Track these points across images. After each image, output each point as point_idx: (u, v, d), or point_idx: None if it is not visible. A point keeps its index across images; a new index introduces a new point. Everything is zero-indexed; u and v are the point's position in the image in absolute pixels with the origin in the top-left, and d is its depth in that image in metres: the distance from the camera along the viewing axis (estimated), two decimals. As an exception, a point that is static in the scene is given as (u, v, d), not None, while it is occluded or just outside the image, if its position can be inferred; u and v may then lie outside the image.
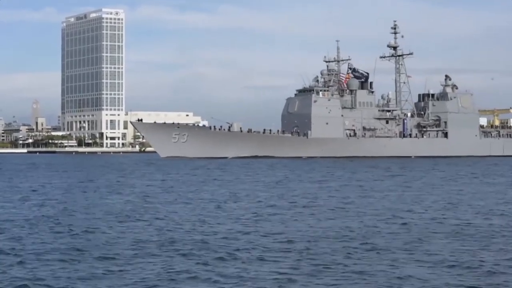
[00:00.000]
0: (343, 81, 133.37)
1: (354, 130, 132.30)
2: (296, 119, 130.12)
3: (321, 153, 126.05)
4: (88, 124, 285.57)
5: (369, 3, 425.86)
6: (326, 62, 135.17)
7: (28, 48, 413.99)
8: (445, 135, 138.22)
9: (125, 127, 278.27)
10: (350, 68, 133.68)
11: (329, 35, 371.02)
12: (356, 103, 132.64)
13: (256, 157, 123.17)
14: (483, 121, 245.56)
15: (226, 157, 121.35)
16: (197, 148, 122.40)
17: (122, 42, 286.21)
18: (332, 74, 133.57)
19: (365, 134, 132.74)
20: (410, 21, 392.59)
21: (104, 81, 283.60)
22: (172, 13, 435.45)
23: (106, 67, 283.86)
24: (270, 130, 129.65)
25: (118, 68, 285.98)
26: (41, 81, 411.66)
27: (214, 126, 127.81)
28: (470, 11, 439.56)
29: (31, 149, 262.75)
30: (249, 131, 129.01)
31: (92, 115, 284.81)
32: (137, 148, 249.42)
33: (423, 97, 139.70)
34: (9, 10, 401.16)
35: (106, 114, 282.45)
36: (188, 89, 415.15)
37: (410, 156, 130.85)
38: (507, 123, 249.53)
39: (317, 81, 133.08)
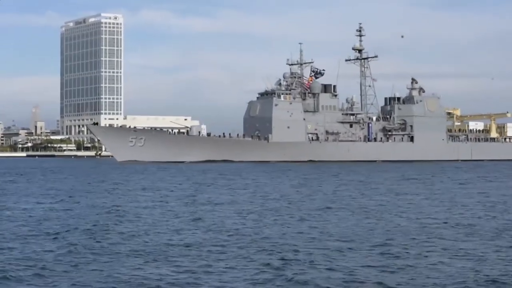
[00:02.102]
0: (305, 84, 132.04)
1: (316, 134, 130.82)
2: (257, 123, 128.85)
3: (282, 158, 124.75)
4: (87, 128, 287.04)
5: (371, 7, 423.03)
6: (289, 65, 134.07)
7: (28, 52, 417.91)
8: (411, 139, 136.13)
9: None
10: (313, 71, 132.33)
11: (330, 37, 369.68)
12: (319, 107, 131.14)
13: (214, 161, 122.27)
14: (480, 125, 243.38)
15: (183, 162, 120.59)
16: (154, 153, 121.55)
17: (120, 47, 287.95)
18: (295, 77, 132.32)
19: (328, 138, 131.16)
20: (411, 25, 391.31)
21: (103, 85, 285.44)
22: (173, 18, 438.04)
23: (105, 72, 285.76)
24: (229, 134, 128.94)
25: (117, 72, 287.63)
26: (41, 85, 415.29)
27: (173, 130, 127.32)
28: (468, 15, 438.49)
29: (30, 153, 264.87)
30: (208, 135, 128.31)
31: (91, 119, 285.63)
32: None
33: (390, 100, 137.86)
34: (10, 14, 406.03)
35: (105, 118, 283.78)
36: (188, 93, 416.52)
37: (375, 161, 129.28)
38: (504, 127, 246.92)
39: (280, 84, 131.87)
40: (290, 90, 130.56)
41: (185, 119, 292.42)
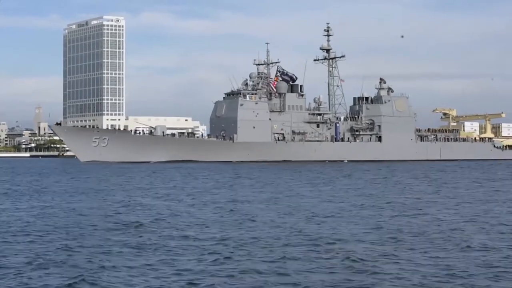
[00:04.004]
0: (272, 84, 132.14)
1: (283, 134, 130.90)
2: (223, 123, 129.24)
3: (247, 158, 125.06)
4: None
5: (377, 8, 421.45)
6: (256, 65, 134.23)
7: (31, 54, 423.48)
8: (379, 139, 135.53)
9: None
10: (279, 71, 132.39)
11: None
12: (285, 107, 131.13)
13: (178, 161, 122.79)
14: (476, 126, 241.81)
15: (148, 162, 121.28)
16: (118, 153, 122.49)
17: (122, 49, 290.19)
18: (261, 77, 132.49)
19: (294, 138, 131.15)
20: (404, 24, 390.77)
21: (105, 86, 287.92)
22: (174, 20, 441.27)
23: (107, 73, 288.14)
24: (193, 134, 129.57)
25: (119, 74, 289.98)
26: (44, 86, 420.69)
27: (136, 130, 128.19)
28: (463, 16, 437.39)
29: (33, 153, 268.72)
30: (173, 135, 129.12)
31: (93, 120, 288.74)
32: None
33: (358, 100, 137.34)
34: (14, 16, 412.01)
35: (107, 119, 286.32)
36: (189, 94, 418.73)
37: (343, 160, 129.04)
38: (499, 127, 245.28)
39: (246, 84, 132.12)
40: (256, 90, 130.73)
41: (186, 120, 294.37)
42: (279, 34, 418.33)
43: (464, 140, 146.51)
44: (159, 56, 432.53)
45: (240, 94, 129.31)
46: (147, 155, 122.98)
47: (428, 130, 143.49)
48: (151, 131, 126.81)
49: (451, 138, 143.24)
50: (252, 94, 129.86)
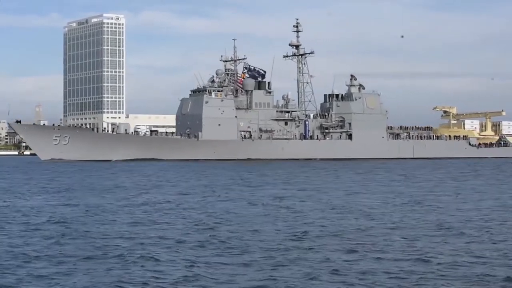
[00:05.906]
0: (238, 81, 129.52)
1: (249, 132, 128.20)
2: (188, 121, 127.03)
3: (213, 156, 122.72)
4: (90, 127, 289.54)
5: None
6: (223, 61, 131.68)
7: (32, 52, 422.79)
8: (349, 136, 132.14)
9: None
10: (246, 68, 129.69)
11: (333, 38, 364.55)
12: (252, 104, 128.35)
13: (142, 160, 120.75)
14: (476, 124, 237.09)
15: (110, 160, 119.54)
16: (80, 151, 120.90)
17: (122, 47, 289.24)
18: (228, 74, 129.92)
19: (261, 136, 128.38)
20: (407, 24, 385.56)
21: (105, 84, 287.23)
22: (174, 19, 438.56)
23: (107, 71, 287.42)
24: (156, 132, 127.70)
25: (119, 72, 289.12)
26: (44, 85, 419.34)
27: (97, 128, 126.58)
28: (463, 16, 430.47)
29: (33, 151, 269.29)
30: (137, 133, 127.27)
31: (93, 118, 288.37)
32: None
33: (328, 97, 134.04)
34: (14, 15, 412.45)
35: (107, 117, 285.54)
36: (189, 93, 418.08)
37: (315, 158, 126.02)
38: (499, 125, 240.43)
39: (213, 81, 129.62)
40: (222, 87, 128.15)
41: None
42: (279, 33, 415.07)
43: (438, 138, 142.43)
44: (160, 54, 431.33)
45: (206, 91, 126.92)
46: (110, 153, 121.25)
47: (401, 127, 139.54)
48: (113, 128, 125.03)
49: (424, 136, 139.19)
50: (218, 91, 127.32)
